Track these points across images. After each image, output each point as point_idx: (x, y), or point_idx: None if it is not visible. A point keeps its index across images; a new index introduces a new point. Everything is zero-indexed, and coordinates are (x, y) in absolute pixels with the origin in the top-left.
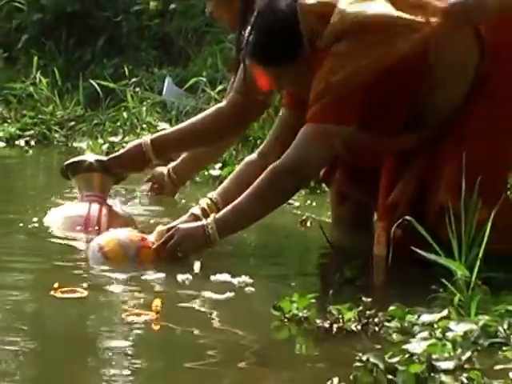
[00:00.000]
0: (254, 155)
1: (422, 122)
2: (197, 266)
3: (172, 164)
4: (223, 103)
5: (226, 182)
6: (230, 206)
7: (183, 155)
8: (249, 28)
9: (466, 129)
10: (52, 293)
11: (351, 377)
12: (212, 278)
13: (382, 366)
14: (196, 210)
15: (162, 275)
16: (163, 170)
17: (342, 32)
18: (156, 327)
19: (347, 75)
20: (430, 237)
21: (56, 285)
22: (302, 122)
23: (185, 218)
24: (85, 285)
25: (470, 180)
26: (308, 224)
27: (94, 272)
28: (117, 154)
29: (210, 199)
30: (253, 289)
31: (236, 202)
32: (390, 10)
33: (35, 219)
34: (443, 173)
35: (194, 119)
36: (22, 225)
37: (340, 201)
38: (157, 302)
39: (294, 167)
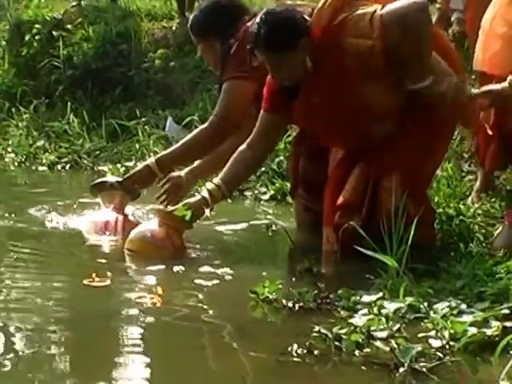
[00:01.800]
0: (244, 146)
1: None
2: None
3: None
4: (205, 125)
5: (224, 169)
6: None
7: (193, 165)
8: (256, 26)
9: (399, 144)
10: (85, 281)
11: (307, 344)
12: (200, 269)
13: (330, 335)
14: (204, 192)
15: (162, 267)
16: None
17: None
18: (158, 306)
19: None
20: (376, 233)
21: (94, 275)
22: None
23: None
24: (109, 275)
25: (404, 187)
26: (274, 227)
27: (114, 266)
28: (130, 173)
29: (214, 184)
30: (233, 277)
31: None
32: None
33: (68, 223)
34: (384, 182)
35: (185, 139)
36: (58, 227)
37: (302, 210)
38: (159, 289)
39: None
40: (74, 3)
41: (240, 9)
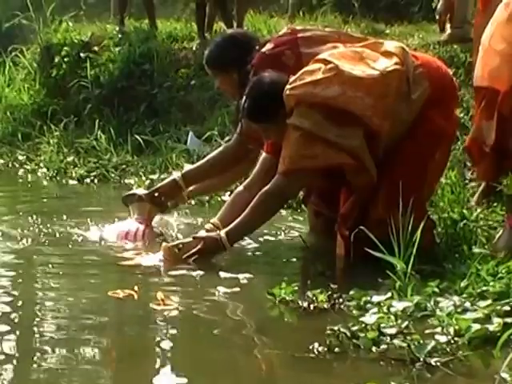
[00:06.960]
0: (241, 188)
1: None
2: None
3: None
4: (229, 143)
5: (221, 210)
6: (236, 221)
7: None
8: (244, 97)
9: (395, 164)
10: (114, 292)
11: (327, 342)
12: (220, 273)
13: (348, 333)
14: (202, 233)
15: (182, 272)
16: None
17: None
18: (178, 308)
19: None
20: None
21: (136, 288)
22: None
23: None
24: (136, 288)
25: (403, 200)
26: (289, 233)
27: (140, 277)
28: (157, 186)
29: (212, 224)
30: (253, 281)
31: (240, 217)
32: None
33: (95, 232)
34: (379, 195)
35: (210, 156)
36: (86, 237)
37: (315, 216)
38: (160, 295)
39: (280, 191)
40: (117, 28)
41: (253, 40)
